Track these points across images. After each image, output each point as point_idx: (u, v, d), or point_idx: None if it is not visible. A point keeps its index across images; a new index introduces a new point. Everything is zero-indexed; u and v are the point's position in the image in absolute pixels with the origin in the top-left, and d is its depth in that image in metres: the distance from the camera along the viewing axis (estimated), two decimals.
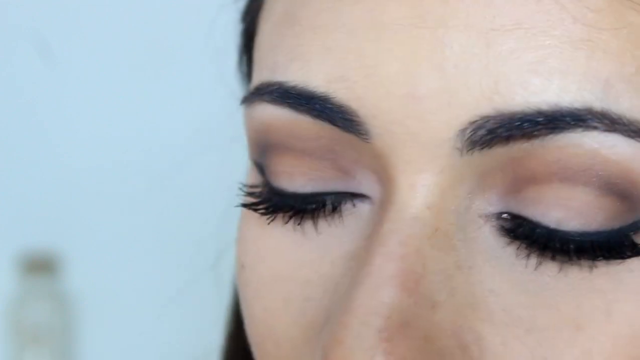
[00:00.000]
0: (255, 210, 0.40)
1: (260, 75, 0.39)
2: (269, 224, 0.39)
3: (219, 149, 1.13)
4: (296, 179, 0.38)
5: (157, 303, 1.27)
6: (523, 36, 0.34)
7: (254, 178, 0.41)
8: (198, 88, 1.24)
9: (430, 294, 0.35)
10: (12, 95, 1.29)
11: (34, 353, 1.28)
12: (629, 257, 0.34)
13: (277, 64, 0.38)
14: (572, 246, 0.35)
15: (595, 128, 0.33)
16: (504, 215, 0.36)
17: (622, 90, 0.34)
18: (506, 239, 0.36)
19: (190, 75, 1.25)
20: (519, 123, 0.34)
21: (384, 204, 0.36)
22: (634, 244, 0.34)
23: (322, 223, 0.38)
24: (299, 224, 0.39)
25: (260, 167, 0.40)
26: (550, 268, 0.35)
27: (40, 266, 1.29)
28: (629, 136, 0.34)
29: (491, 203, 0.36)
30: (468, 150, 0.35)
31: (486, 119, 0.34)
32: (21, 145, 1.30)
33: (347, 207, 0.38)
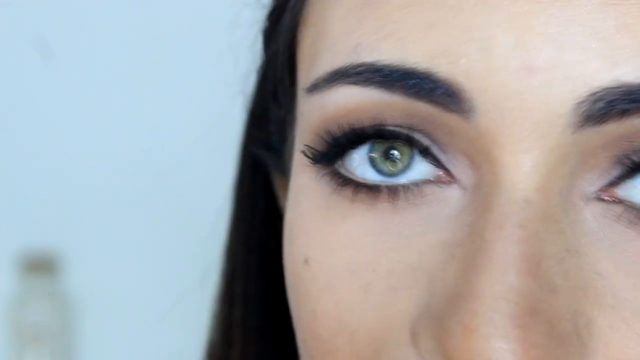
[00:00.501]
0: (328, 174, 0.38)
1: (335, 60, 0.37)
2: (350, 201, 0.37)
3: (219, 149, 1.13)
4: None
5: (157, 303, 1.27)
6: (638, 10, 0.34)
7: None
8: (198, 88, 1.24)
9: (550, 277, 0.34)
10: (12, 95, 1.29)
11: (34, 353, 1.28)
12: None
13: (360, 46, 0.36)
14: None
15: None
16: (605, 197, 0.35)
17: None
18: (608, 222, 0.35)
19: (191, 75, 1.25)
20: (635, 95, 0.33)
21: (485, 189, 0.35)
22: None
23: (403, 207, 0.37)
24: (373, 208, 0.37)
25: (325, 159, 0.38)
26: None
27: (40, 266, 1.29)
28: None
29: (591, 183, 0.35)
30: (581, 126, 0.34)
31: (605, 90, 0.34)
32: (21, 145, 1.30)
33: (430, 191, 0.37)
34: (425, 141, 0.37)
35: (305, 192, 0.40)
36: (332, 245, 0.38)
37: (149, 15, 1.25)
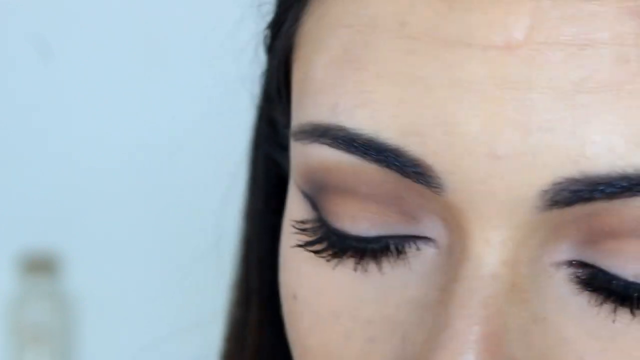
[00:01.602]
0: (315, 252, 0.39)
1: (317, 114, 0.38)
2: (332, 269, 0.38)
3: (219, 150, 1.13)
4: (359, 222, 0.38)
5: (157, 303, 1.27)
6: (609, 98, 0.34)
7: (304, 212, 0.40)
8: (198, 88, 1.24)
9: (511, 353, 0.35)
10: (12, 95, 1.29)
11: (34, 353, 1.28)
12: None
13: (338, 107, 0.37)
14: None
15: None
16: (575, 263, 0.35)
17: None
18: (579, 288, 0.35)
19: (190, 75, 1.25)
20: (603, 187, 0.33)
21: (456, 256, 0.36)
22: None
23: (385, 264, 0.38)
24: (365, 270, 0.38)
25: (312, 201, 0.39)
26: (623, 316, 0.35)
27: (40, 266, 1.29)
28: None
29: (563, 251, 0.35)
30: (547, 209, 0.34)
31: (570, 181, 0.34)
32: (21, 145, 1.30)
33: (411, 249, 0.37)
34: (401, 200, 0.37)
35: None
36: (319, 288, 0.39)
37: (148, 15, 1.25)
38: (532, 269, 0.35)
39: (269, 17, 0.44)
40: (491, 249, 0.35)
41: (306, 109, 0.38)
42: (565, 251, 0.35)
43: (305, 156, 0.38)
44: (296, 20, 0.40)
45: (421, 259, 0.37)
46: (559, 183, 0.34)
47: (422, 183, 0.35)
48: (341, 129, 0.36)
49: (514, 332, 0.35)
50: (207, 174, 1.21)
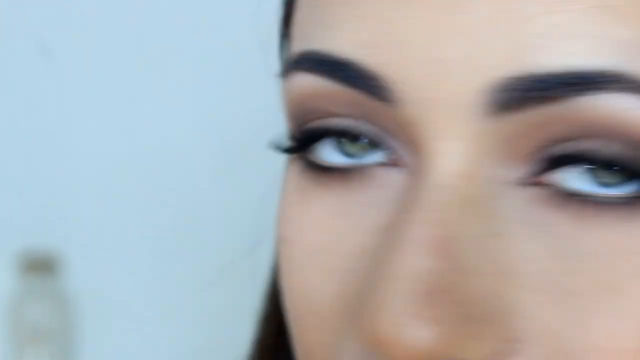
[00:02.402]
0: (289, 152, 0.40)
1: (294, 46, 0.40)
2: (306, 177, 0.40)
3: (219, 150, 1.13)
4: (332, 152, 0.39)
5: (157, 303, 1.27)
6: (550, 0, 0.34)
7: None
8: (198, 88, 1.24)
9: (466, 260, 0.35)
10: (12, 95, 1.29)
11: (34, 353, 1.28)
12: None
13: (311, 34, 0.39)
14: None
15: (625, 90, 0.34)
16: (533, 180, 0.36)
17: None
18: (538, 206, 0.36)
19: (191, 74, 1.25)
20: (544, 84, 0.34)
21: (416, 172, 0.37)
22: None
23: (358, 191, 0.39)
24: (334, 192, 0.39)
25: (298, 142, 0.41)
26: (585, 220, 0.35)
27: (40, 266, 1.29)
28: None
29: (517, 171, 0.36)
30: (495, 113, 0.35)
31: (512, 80, 0.35)
32: (21, 145, 1.30)
33: (379, 175, 0.39)
34: (372, 131, 0.38)
35: (287, 174, 0.42)
36: (301, 225, 0.40)
37: (148, 15, 1.25)
38: (489, 184, 0.36)
39: (275, 19, 0.45)
40: (446, 160, 0.36)
41: (291, 47, 0.41)
42: (520, 171, 0.36)
43: (287, 91, 0.40)
44: None
45: (388, 184, 0.38)
46: (501, 83, 0.35)
47: (380, 98, 0.37)
48: (313, 52, 0.38)
49: (471, 242, 0.36)
50: (208, 174, 1.21)
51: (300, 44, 0.40)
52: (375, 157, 0.39)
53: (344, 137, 0.39)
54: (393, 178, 0.38)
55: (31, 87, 1.28)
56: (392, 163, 0.38)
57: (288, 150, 0.41)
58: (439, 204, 0.35)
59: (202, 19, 1.23)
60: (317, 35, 0.39)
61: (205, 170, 1.20)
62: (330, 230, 0.39)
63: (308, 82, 0.39)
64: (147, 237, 1.28)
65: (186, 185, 1.26)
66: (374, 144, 0.39)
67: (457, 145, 0.36)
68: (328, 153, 0.40)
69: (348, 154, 0.39)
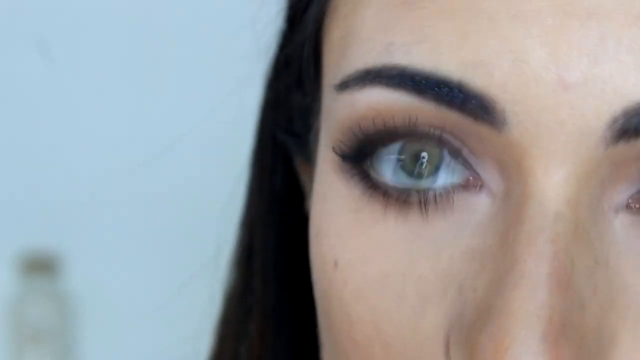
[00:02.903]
0: (356, 175, 0.37)
1: (367, 58, 0.37)
2: (375, 223, 0.37)
3: (219, 150, 1.13)
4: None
5: (157, 303, 1.27)
6: None
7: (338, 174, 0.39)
8: (199, 88, 1.24)
9: (580, 292, 0.34)
10: (12, 95, 1.29)
11: (34, 353, 1.28)
12: None
13: (393, 46, 0.36)
14: None
15: None
16: (634, 206, 0.35)
17: None
18: (636, 231, 0.35)
19: (191, 74, 1.25)
20: None
21: (516, 199, 0.35)
22: None
23: (433, 215, 0.37)
24: (405, 215, 0.37)
25: (351, 161, 0.38)
26: None
27: (40, 266, 1.29)
28: None
29: (621, 192, 0.35)
30: (615, 141, 0.34)
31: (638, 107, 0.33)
32: (21, 145, 1.30)
33: (459, 199, 0.37)
34: (456, 143, 0.36)
35: (333, 192, 0.39)
36: (364, 250, 0.38)
37: (148, 15, 1.25)
38: (592, 211, 0.35)
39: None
40: (555, 186, 0.34)
41: (353, 58, 0.37)
42: (624, 192, 0.35)
43: (352, 104, 0.37)
44: None
45: (471, 208, 0.36)
46: (630, 109, 0.33)
47: (484, 121, 0.35)
48: (397, 67, 0.36)
49: (581, 271, 0.34)
50: (209, 173, 1.21)
51: (370, 54, 0.37)
52: (449, 178, 0.37)
53: (424, 144, 0.36)
54: (475, 202, 0.36)
55: (31, 87, 1.28)
56: (473, 185, 0.36)
57: (345, 156, 0.38)
58: (551, 234, 0.34)
59: (202, 18, 1.23)
60: (404, 46, 0.36)
61: (207, 170, 1.20)
62: (401, 255, 0.37)
63: (386, 97, 0.36)
64: (147, 237, 1.28)
65: (187, 185, 1.25)
66: (450, 160, 0.36)
67: (566, 170, 0.34)
68: (387, 169, 0.37)
69: (410, 175, 0.37)
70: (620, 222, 0.35)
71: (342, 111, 0.38)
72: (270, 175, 0.48)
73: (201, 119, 0.93)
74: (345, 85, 0.37)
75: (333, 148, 0.38)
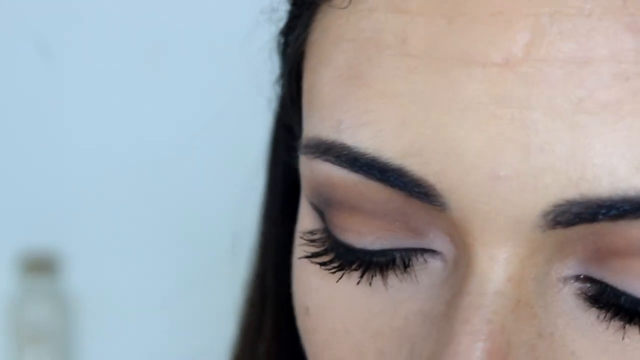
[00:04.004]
0: (321, 265, 0.39)
1: (321, 128, 0.38)
2: (337, 282, 0.39)
3: (219, 150, 1.13)
4: (365, 236, 0.38)
5: (157, 303, 1.27)
6: (610, 118, 0.33)
7: (313, 223, 0.40)
8: (199, 88, 1.24)
9: None
10: (12, 95, 1.29)
11: (34, 353, 1.28)
12: None
13: (342, 123, 0.37)
14: None
15: None
16: (583, 277, 0.35)
17: None
18: (588, 304, 0.35)
19: (191, 74, 1.25)
20: (605, 210, 0.33)
21: (462, 271, 0.36)
22: None
23: (392, 277, 0.38)
24: (369, 284, 0.38)
25: (320, 212, 0.39)
26: (632, 331, 0.35)
27: (40, 266, 1.29)
28: None
29: (570, 267, 0.35)
30: (550, 228, 0.34)
31: (572, 203, 0.34)
32: (21, 145, 1.30)
33: (418, 262, 0.38)
34: (412, 223, 0.37)
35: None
36: (328, 302, 0.39)
37: (149, 15, 1.25)
38: (539, 285, 0.35)
39: (281, 22, 0.44)
40: (495, 265, 0.35)
41: (312, 122, 0.39)
42: (572, 267, 0.35)
43: (311, 170, 0.38)
44: (306, 27, 0.40)
45: (428, 271, 0.37)
46: (560, 205, 0.34)
47: (425, 202, 0.35)
48: (344, 147, 0.37)
49: (520, 347, 0.35)
50: (209, 173, 1.21)
51: (324, 125, 0.38)
52: (413, 243, 0.37)
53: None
54: (432, 264, 0.37)
55: (31, 87, 1.28)
56: (431, 250, 0.37)
57: (314, 207, 0.40)
58: (489, 314, 0.35)
59: (202, 17, 1.23)
60: (351, 127, 0.36)
61: (207, 170, 1.20)
62: (362, 309, 0.38)
63: (336, 173, 0.37)
64: (147, 237, 1.28)
65: (187, 185, 1.25)
66: (411, 235, 0.37)
67: (509, 251, 0.35)
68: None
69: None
70: (571, 292, 0.35)
71: (306, 173, 0.39)
72: (283, 176, 0.49)
73: (203, 117, 0.93)
74: (305, 150, 0.38)
75: (305, 194, 0.40)
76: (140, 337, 1.29)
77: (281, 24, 0.44)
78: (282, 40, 0.44)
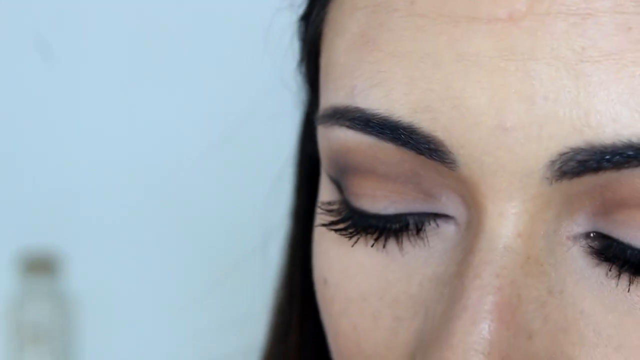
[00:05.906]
0: (338, 231, 0.40)
1: (337, 97, 0.39)
2: (352, 246, 0.40)
3: (222, 149, 1.13)
4: (378, 200, 0.39)
5: (156, 303, 1.27)
6: (612, 67, 0.34)
7: (331, 194, 0.41)
8: (199, 88, 1.24)
9: (526, 323, 0.35)
10: (12, 95, 1.29)
11: (34, 353, 1.28)
12: None
13: (356, 88, 0.38)
14: None
15: None
16: (592, 235, 0.36)
17: None
18: (596, 260, 0.36)
19: (192, 76, 1.25)
20: (609, 156, 0.34)
21: (473, 230, 0.36)
22: None
23: (406, 243, 0.39)
24: (383, 246, 0.39)
25: (337, 184, 0.40)
26: (639, 287, 0.35)
27: (40, 266, 1.29)
28: None
29: (579, 224, 0.36)
30: (557, 180, 0.35)
31: (576, 151, 0.34)
32: (21, 145, 1.30)
33: (430, 227, 0.38)
34: (424, 184, 0.38)
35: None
36: (347, 271, 0.40)
37: (149, 15, 1.25)
38: (548, 242, 0.36)
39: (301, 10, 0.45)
40: (505, 221, 0.36)
41: (329, 93, 0.40)
42: (581, 224, 0.36)
43: (328, 139, 0.39)
44: (323, 7, 0.42)
45: (441, 236, 0.38)
46: (565, 153, 0.34)
47: (435, 159, 0.36)
48: (358, 110, 0.38)
49: (529, 303, 0.35)
50: (208, 174, 1.21)
51: (339, 93, 0.39)
52: (426, 207, 0.38)
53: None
54: (445, 229, 0.38)
55: (31, 87, 1.28)
56: (444, 215, 0.38)
57: (331, 179, 0.40)
58: (498, 268, 0.35)
59: (204, 18, 1.23)
60: (363, 90, 0.38)
61: (207, 169, 1.20)
62: (378, 277, 0.39)
63: (351, 137, 0.38)
64: (148, 237, 1.28)
65: (187, 185, 1.26)
66: (424, 198, 0.38)
67: (517, 205, 0.35)
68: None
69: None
70: (580, 250, 0.36)
71: (323, 142, 0.40)
72: (311, 171, 0.49)
73: (205, 117, 0.93)
74: (322, 120, 0.40)
75: (324, 167, 0.41)
76: (140, 337, 1.29)
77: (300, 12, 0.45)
78: (302, 25, 0.45)
